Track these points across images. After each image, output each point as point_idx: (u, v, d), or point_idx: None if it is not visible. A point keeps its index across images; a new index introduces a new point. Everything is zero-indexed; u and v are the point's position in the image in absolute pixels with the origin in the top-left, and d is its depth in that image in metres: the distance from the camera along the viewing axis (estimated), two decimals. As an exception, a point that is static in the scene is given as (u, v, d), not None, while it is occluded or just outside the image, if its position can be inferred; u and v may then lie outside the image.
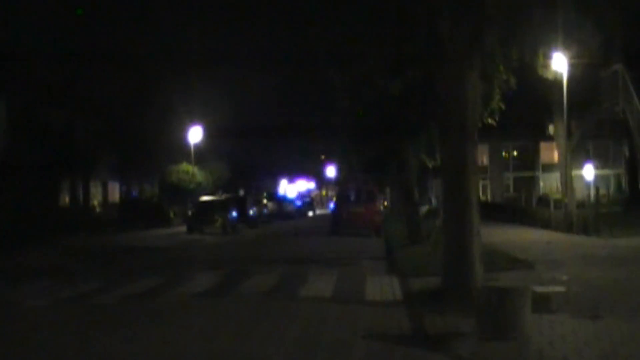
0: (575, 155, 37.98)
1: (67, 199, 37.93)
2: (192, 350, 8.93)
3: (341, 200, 36.23)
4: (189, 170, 47.04)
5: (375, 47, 12.16)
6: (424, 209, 30.15)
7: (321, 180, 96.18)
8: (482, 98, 12.01)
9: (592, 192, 32.79)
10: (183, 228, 38.22)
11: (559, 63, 27.02)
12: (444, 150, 11.85)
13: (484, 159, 63.23)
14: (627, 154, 46.50)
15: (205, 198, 41.50)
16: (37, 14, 29.11)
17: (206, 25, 42.03)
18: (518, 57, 11.73)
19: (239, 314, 11.52)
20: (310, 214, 70.54)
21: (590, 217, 27.55)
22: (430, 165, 24.53)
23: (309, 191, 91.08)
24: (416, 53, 11.50)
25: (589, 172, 50.17)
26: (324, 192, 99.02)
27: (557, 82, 28.24)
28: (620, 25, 26.15)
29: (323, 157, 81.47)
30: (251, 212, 44.69)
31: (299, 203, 69.63)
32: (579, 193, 38.15)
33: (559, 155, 33.86)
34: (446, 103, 11.34)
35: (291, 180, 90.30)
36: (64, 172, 34.73)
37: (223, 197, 43.33)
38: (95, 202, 42.20)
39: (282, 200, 65.34)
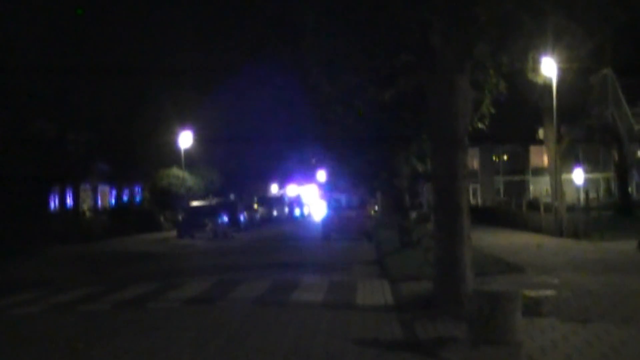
0: (565, 159, 38.10)
1: (57, 205, 37.79)
2: (183, 360, 8.87)
3: (332, 205, 36.26)
4: (180, 175, 46.94)
5: (367, 58, 12.17)
6: (414, 214, 30.18)
7: (312, 184, 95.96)
8: (472, 103, 12.04)
9: (582, 196, 32.92)
10: (173, 233, 38.13)
11: (549, 68, 27.14)
12: (434, 158, 11.87)
13: (474, 163, 63.34)
14: (616, 157, 46.71)
15: (195, 203, 41.44)
16: (28, 26, 28.97)
17: (197, 33, 41.91)
18: (508, 63, 11.77)
19: (230, 322, 11.46)
20: (301, 218, 70.54)
21: (580, 221, 27.65)
22: (421, 170, 24.57)
23: (299, 195, 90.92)
24: (408, 64, 11.51)
25: (578, 176, 50.33)
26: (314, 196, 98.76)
27: (547, 86, 28.36)
28: (609, 32, 26.25)
29: (314, 161, 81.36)
30: (242, 217, 44.63)
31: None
32: (569, 197, 38.33)
33: (549, 159, 34.00)
34: (437, 112, 11.36)
35: (282, 184, 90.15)
36: (55, 181, 34.62)
37: (214, 202, 43.26)
38: (86, 208, 42.05)
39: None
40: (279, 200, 68.11)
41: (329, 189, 72.87)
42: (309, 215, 73.23)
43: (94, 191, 44.49)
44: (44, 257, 24.36)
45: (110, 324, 11.61)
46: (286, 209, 67.46)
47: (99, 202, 44.98)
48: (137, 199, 48.95)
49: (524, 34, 10.71)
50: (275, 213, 60.25)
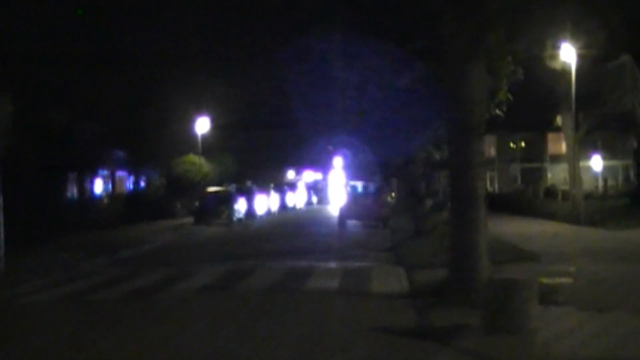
0: (583, 146, 37.79)
1: (74, 193, 37.96)
2: (193, 350, 8.82)
3: (348, 192, 36.25)
4: (196, 162, 46.99)
5: (380, 45, 12.12)
6: (430, 201, 30.09)
7: (328, 171, 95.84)
8: (489, 90, 11.97)
9: (600, 184, 32.72)
10: (189, 219, 38.19)
11: (567, 54, 26.91)
12: (450, 145, 11.81)
13: (491, 150, 63.01)
14: (635, 145, 46.26)
15: (211, 189, 41.45)
16: (38, 16, 29.01)
17: (211, 20, 41.93)
18: (524, 50, 11.67)
19: (244, 309, 11.46)
20: (317, 205, 70.57)
21: (597, 209, 27.47)
22: (437, 157, 24.49)
23: (315, 182, 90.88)
24: (422, 51, 11.44)
25: (596, 163, 50.06)
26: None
27: (564, 73, 28.13)
28: (627, 17, 25.97)
29: (330, 147, 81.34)
30: (258, 203, 44.61)
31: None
32: (587, 184, 38.05)
33: (567, 146, 33.74)
34: (451, 100, 11.30)
35: (298, 170, 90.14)
36: (69, 169, 34.73)
37: (230, 188, 43.28)
38: (103, 195, 42.21)
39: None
40: (295, 187, 68.03)
41: (345, 176, 72.94)
42: (325, 201, 73.20)
43: (112, 178, 44.66)
44: (58, 245, 24.43)
45: (122, 312, 11.63)
46: (302, 196, 67.39)
47: (116, 189, 45.17)
48: (154, 185, 49.08)
49: (537, 21, 10.61)
50: (291, 199, 60.18)
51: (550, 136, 62.51)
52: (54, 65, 29.82)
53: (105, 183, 43.35)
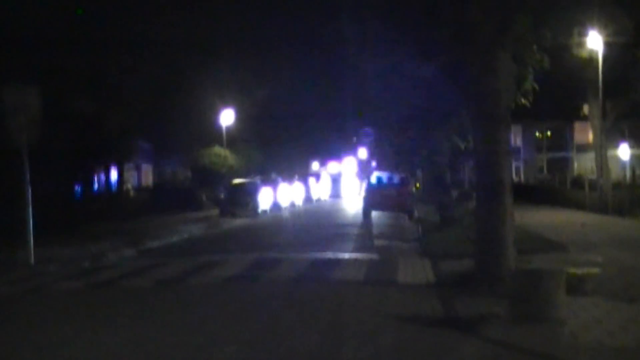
0: (611, 135, 37.39)
1: (101, 183, 38.31)
2: (222, 338, 8.87)
3: (373, 183, 36.10)
4: (221, 154, 47.17)
5: (405, 34, 12.04)
6: (456, 191, 29.97)
7: (352, 162, 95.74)
8: (515, 79, 11.87)
9: (628, 173, 32.38)
10: (215, 211, 38.37)
11: (594, 42, 26.61)
12: (476, 134, 11.73)
13: (516, 139, 62.52)
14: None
15: (237, 181, 41.60)
16: (66, 5, 29.16)
17: (236, 10, 41.91)
18: (552, 37, 11.56)
19: (271, 298, 11.52)
20: (342, 196, 70.45)
21: (625, 198, 27.19)
22: (462, 147, 24.35)
23: (340, 173, 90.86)
24: (446, 39, 11.35)
25: (624, 152, 49.49)
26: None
27: (592, 61, 27.83)
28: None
29: (355, 139, 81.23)
30: (282, 194, 44.67)
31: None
32: (615, 174, 37.63)
33: (594, 135, 33.42)
34: (477, 88, 11.22)
35: (323, 162, 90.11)
36: (96, 159, 34.95)
37: (255, 180, 43.41)
38: (129, 186, 42.55)
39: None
40: (320, 178, 67.95)
41: (370, 167, 72.77)
42: (349, 193, 73.11)
43: (138, 170, 45.01)
44: (85, 235, 24.66)
45: (153, 299, 11.75)
46: (327, 187, 67.30)
47: (142, 180, 45.52)
48: (179, 177, 49.36)
49: (568, 5, 10.51)
50: (315, 191, 60.12)
51: (577, 125, 61.89)
52: (82, 55, 29.98)
53: (131, 174, 43.70)
